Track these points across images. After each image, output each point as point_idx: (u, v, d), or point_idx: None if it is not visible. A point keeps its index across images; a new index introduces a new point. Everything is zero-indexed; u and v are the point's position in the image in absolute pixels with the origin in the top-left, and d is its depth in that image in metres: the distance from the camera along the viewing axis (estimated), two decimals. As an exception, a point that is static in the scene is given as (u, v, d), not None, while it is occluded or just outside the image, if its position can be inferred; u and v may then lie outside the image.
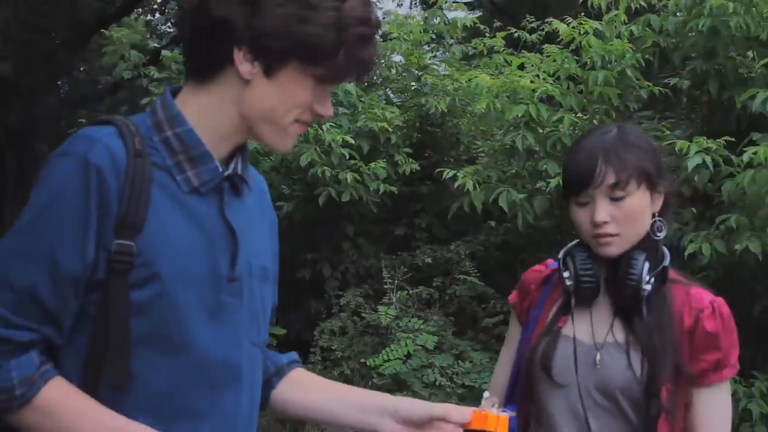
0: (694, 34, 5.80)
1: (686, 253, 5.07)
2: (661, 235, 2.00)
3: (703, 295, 2.00)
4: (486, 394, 1.78)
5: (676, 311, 1.97)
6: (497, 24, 8.49)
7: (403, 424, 1.75)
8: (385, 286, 6.66)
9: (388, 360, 6.02)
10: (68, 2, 15.19)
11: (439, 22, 8.19)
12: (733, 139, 5.11)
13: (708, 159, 4.97)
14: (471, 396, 5.75)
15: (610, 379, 1.95)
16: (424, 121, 7.52)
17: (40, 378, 1.49)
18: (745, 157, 4.71)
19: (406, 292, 6.68)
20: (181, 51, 8.50)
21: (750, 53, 5.81)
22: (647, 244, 2.00)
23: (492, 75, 6.71)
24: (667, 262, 2.00)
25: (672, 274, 2.03)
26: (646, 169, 1.97)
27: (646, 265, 1.95)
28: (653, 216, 2.01)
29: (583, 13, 6.76)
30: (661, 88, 6.47)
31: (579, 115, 6.18)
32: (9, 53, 15.47)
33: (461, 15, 9.07)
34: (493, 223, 7.15)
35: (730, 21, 5.41)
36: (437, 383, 5.81)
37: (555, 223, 6.36)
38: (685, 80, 6.10)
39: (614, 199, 1.95)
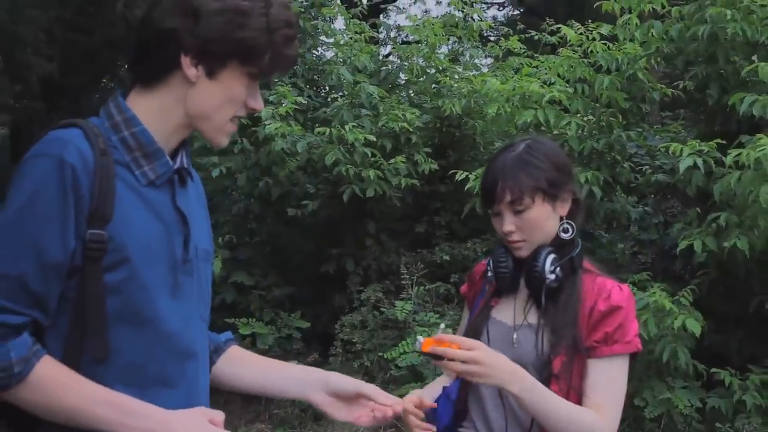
0: (696, 40, 6.00)
1: (678, 250, 5.31)
2: (567, 235, 2.27)
3: (606, 283, 2.25)
4: (442, 326, 2.16)
5: (582, 296, 2.23)
6: (520, 26, 8.74)
7: (333, 397, 2.02)
8: (403, 282, 6.95)
9: (405, 353, 6.30)
10: (111, 3, 15.45)
11: (458, 25, 8.41)
12: (724, 142, 5.33)
13: (699, 161, 5.20)
14: (481, 387, 6.03)
15: (523, 355, 2.20)
16: (443, 123, 7.79)
17: (33, 356, 1.67)
18: (729, 160, 4.95)
19: (424, 287, 6.95)
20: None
21: (754, 57, 6.00)
22: (557, 242, 2.26)
23: (503, 80, 6.95)
24: (573, 254, 2.25)
25: (587, 265, 2.31)
26: (539, 186, 2.22)
27: (549, 258, 2.21)
28: (561, 219, 2.28)
29: (591, 21, 6.96)
30: (674, 90, 6.70)
31: (586, 118, 6.42)
32: (54, 54, 15.94)
33: (492, 14, 9.27)
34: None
35: (727, 28, 5.62)
36: (449, 375, 6.07)
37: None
38: (689, 84, 6.29)
39: (516, 212, 2.22)
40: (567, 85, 6.62)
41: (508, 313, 2.31)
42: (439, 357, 2.06)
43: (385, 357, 6.42)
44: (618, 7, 6.65)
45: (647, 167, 6.74)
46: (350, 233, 7.69)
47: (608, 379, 2.21)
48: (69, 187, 1.67)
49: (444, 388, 2.47)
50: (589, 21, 7.17)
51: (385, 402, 2.01)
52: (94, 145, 1.72)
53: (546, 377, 2.17)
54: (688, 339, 5.24)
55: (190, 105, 1.81)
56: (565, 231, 2.28)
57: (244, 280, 7.64)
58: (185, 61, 1.76)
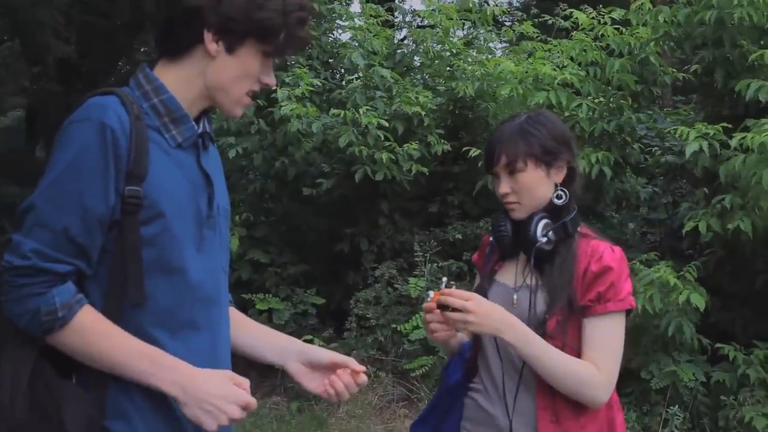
0: (703, 25, 6.12)
1: (684, 231, 5.46)
2: (560, 201, 2.38)
3: (599, 245, 2.38)
4: (444, 279, 2.36)
5: (578, 258, 2.36)
6: (534, 11, 8.87)
7: (309, 367, 2.18)
8: (416, 259, 7.11)
9: (417, 327, 6.47)
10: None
11: (472, 10, 8.54)
12: (730, 125, 5.47)
13: (705, 145, 5.35)
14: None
15: (521, 315, 2.32)
16: (456, 105, 7.93)
17: (76, 303, 1.83)
18: (734, 143, 5.09)
19: (437, 264, 7.12)
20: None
21: (762, 41, 6.13)
22: (550, 207, 2.38)
23: (516, 62, 7.09)
24: (566, 220, 2.36)
25: (584, 230, 2.43)
26: (532, 151, 2.36)
27: (541, 223, 2.34)
28: (556, 186, 2.39)
29: (603, 6, 7.09)
30: (684, 74, 6.84)
31: (597, 100, 6.57)
32: (72, 36, 16.09)
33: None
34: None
35: (734, 12, 5.76)
36: (460, 348, 6.24)
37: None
38: (698, 68, 6.42)
39: (511, 174, 2.36)
40: (579, 68, 6.77)
41: (509, 275, 2.45)
42: (445, 308, 2.25)
43: (399, 330, 6.58)
44: (632, -8, 6.79)
45: (657, 149, 6.88)
46: (364, 213, 7.85)
47: (603, 336, 2.32)
48: (110, 147, 1.83)
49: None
50: (600, 6, 7.31)
51: (356, 368, 2.15)
52: (129, 111, 1.88)
53: (541, 336, 2.29)
54: (692, 314, 5.40)
55: (209, 77, 1.98)
56: (559, 197, 2.38)
57: (260, 258, 7.81)
58: (208, 36, 1.94)
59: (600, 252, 2.35)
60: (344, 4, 9.39)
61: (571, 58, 6.92)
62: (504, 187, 2.38)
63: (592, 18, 7.00)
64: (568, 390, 2.29)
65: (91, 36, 15.81)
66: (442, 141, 7.45)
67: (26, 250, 1.81)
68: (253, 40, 1.96)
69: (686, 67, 6.96)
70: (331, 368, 2.17)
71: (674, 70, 6.94)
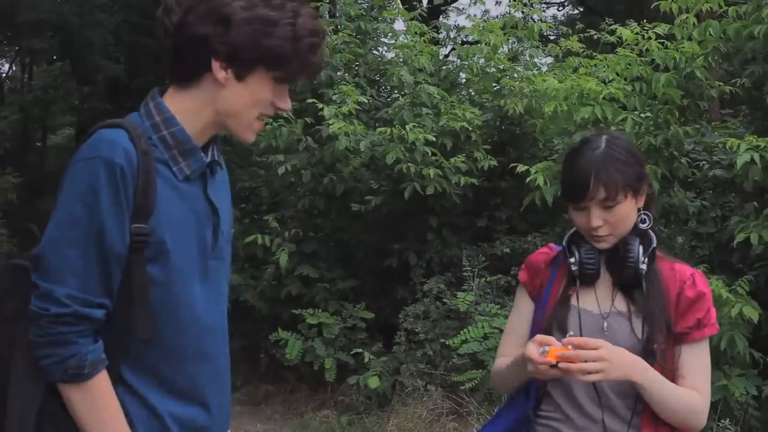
0: (753, 39, 6.14)
1: (735, 243, 5.47)
2: (645, 225, 2.35)
3: (685, 269, 2.37)
4: (570, 333, 2.24)
5: (664, 283, 2.32)
6: (579, 26, 8.91)
7: None
8: (465, 274, 7.17)
9: (466, 341, 6.52)
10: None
11: (518, 26, 8.60)
12: (781, 138, 5.49)
13: (756, 156, 5.36)
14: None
15: (617, 342, 2.22)
16: (504, 121, 8.00)
17: (101, 363, 1.88)
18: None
19: (485, 279, 7.17)
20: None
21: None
22: (636, 232, 2.34)
23: (561, 78, 7.14)
24: (654, 244, 2.33)
25: (658, 253, 2.38)
26: (630, 183, 2.29)
27: (640, 248, 2.30)
28: (638, 210, 2.35)
29: (647, 21, 7.11)
30: (732, 88, 6.85)
31: (643, 114, 6.60)
32: (121, 56, 16.40)
33: (551, 13, 9.44)
34: (567, 216, 7.57)
35: (784, 27, 5.78)
36: (510, 362, 6.27)
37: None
38: (747, 82, 6.43)
39: (606, 207, 2.27)
40: (624, 83, 6.80)
41: (589, 301, 2.37)
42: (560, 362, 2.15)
43: (447, 344, 6.64)
44: (676, 7, 6.81)
45: (704, 162, 6.88)
46: (412, 228, 7.92)
47: (701, 362, 2.33)
48: (120, 186, 1.84)
49: None
50: (644, 21, 7.34)
51: None
52: (137, 146, 1.88)
53: (650, 363, 2.24)
54: (745, 327, 5.39)
55: (219, 105, 1.97)
56: (643, 221, 2.36)
57: (310, 273, 7.91)
58: (216, 65, 1.92)
59: (690, 276, 2.35)
60: (389, 21, 9.48)
61: (617, 74, 6.96)
62: (596, 220, 2.28)
63: (636, 33, 7.03)
64: (680, 421, 2.30)
65: (139, 55, 16.11)
66: (489, 157, 7.51)
67: (61, 296, 1.83)
68: (263, 68, 1.94)
69: (733, 81, 6.96)
70: None
71: (721, 83, 6.94)
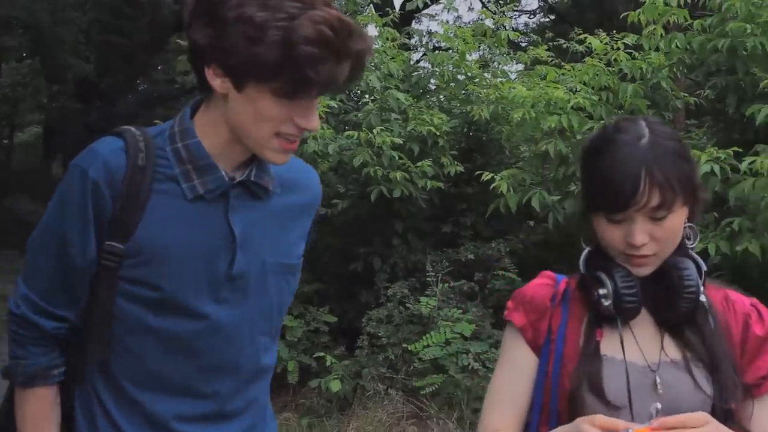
0: (717, 52, 6.24)
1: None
2: (693, 243, 1.81)
3: (743, 299, 1.85)
4: (657, 405, 1.67)
5: (721, 318, 1.80)
6: (548, 35, 8.98)
7: None
8: (428, 279, 7.19)
9: (428, 346, 6.53)
10: (147, 6, 15.79)
11: (487, 33, 8.65)
12: (741, 150, 5.56)
13: (716, 167, 5.43)
14: (502, 380, 6.26)
15: (680, 402, 1.70)
16: (471, 127, 8.04)
17: (42, 379, 1.81)
18: (744, 167, 5.18)
19: (448, 284, 7.19)
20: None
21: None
22: (681, 253, 1.79)
23: (529, 86, 7.20)
24: (705, 268, 1.80)
25: None
26: (693, 184, 1.75)
27: (695, 274, 1.75)
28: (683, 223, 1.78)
29: (616, 31, 7.19)
30: (696, 99, 6.94)
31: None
32: (91, 55, 16.31)
33: (523, 21, 9.51)
34: (531, 223, 7.64)
35: (747, 41, 5.86)
36: (471, 367, 6.32)
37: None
38: (710, 93, 6.52)
39: (655, 219, 1.70)
40: (592, 92, 6.87)
41: (630, 348, 1.78)
42: None
43: (410, 349, 6.65)
44: (644, 18, 6.89)
45: (668, 173, 6.95)
46: (378, 233, 7.92)
47: None
48: (89, 198, 1.72)
49: None
50: (614, 31, 7.42)
51: None
52: (129, 160, 1.73)
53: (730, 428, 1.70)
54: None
55: (228, 118, 1.74)
56: (688, 238, 1.80)
57: (275, 275, 7.86)
58: (209, 72, 1.69)
59: (751, 308, 1.84)
60: (362, 26, 9.49)
61: (584, 83, 7.02)
62: (640, 236, 1.70)
63: (606, 43, 7.10)
64: None
65: (109, 55, 16.05)
66: (456, 162, 7.55)
67: (19, 296, 1.81)
68: (254, 79, 1.65)
69: (698, 92, 7.05)
70: None
71: (686, 94, 7.02)
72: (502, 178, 6.43)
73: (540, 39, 8.81)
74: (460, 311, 6.87)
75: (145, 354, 1.79)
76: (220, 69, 1.67)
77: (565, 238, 7.08)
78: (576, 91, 6.99)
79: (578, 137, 6.60)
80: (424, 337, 6.62)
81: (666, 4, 6.70)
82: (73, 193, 1.73)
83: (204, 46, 1.67)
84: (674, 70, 6.71)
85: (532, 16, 21.77)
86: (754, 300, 1.87)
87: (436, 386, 6.38)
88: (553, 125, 6.40)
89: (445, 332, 6.55)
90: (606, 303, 1.75)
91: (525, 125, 6.85)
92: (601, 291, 1.75)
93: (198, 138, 1.78)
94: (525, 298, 1.89)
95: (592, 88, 6.93)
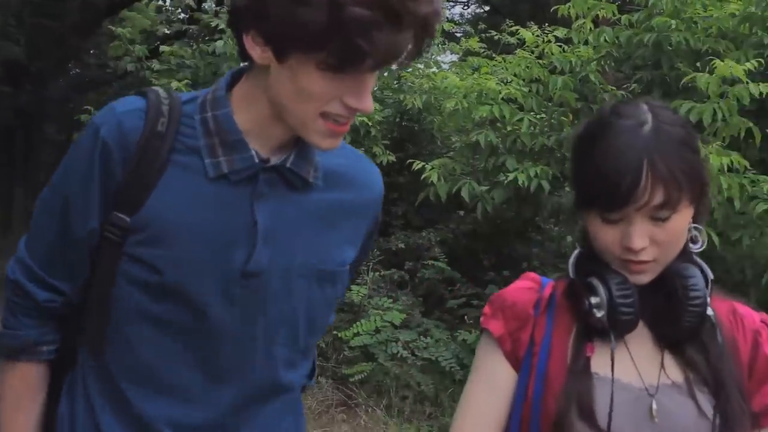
0: (642, 47, 6.36)
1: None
2: (697, 247, 1.58)
3: (752, 314, 1.64)
4: None
5: (728, 334, 1.58)
6: (481, 26, 9.07)
7: None
8: (360, 267, 7.22)
9: (358, 334, 6.57)
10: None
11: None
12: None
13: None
14: (430, 368, 6.34)
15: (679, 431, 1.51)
16: (404, 117, 8.08)
17: (27, 354, 1.63)
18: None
19: (379, 273, 7.24)
20: (181, 45, 9.07)
21: (698, 64, 6.37)
22: (685, 258, 1.57)
23: (462, 77, 7.27)
24: (711, 276, 1.57)
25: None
26: (702, 179, 1.53)
27: (702, 282, 1.53)
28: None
29: (548, 24, 7.28)
30: (624, 93, 7.06)
31: (539, 116, 6.76)
32: (21, 37, 15.99)
33: (458, 11, 9.57)
34: (461, 213, 7.72)
35: (672, 36, 5.99)
36: (399, 355, 6.37)
37: (516, 213, 6.97)
38: (637, 87, 6.64)
39: (657, 219, 1.48)
40: (523, 84, 6.95)
41: (624, 367, 1.55)
42: None
43: (340, 336, 6.68)
44: (573, 12, 6.99)
45: (595, 164, 7.08)
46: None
47: None
48: (97, 160, 1.52)
49: None
50: (546, 24, 7.52)
51: None
52: (147, 124, 1.52)
53: None
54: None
55: (270, 94, 1.50)
56: (694, 241, 1.58)
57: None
58: (247, 40, 1.46)
59: (762, 324, 1.63)
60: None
61: (515, 75, 7.10)
62: (639, 239, 1.48)
63: (537, 36, 7.19)
64: None
65: (41, 37, 15.74)
66: (388, 152, 7.58)
67: (17, 259, 1.63)
68: (297, 49, 1.40)
69: (625, 86, 7.18)
70: None
71: (614, 88, 7.14)
72: (432, 168, 6.47)
73: (473, 30, 8.88)
74: (391, 300, 6.91)
75: (142, 345, 1.56)
76: (260, 36, 1.43)
77: (494, 228, 7.19)
78: (508, 82, 7.06)
79: (509, 128, 6.67)
80: (354, 325, 6.65)
81: (596, -1, 6.81)
82: (81, 152, 1.54)
83: (241, 8, 1.45)
84: (602, 63, 6.81)
85: (466, 7, 22.01)
86: (765, 315, 1.65)
87: (365, 374, 6.41)
88: (484, 115, 6.45)
89: (375, 320, 6.59)
90: (598, 314, 1.52)
91: (457, 115, 6.90)
92: (593, 300, 1.53)
93: (230, 109, 1.55)
94: (505, 304, 1.66)
95: (523, 79, 7.01)
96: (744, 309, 1.64)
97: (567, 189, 6.90)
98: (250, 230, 1.54)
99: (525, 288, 1.67)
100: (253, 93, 1.53)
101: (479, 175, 6.76)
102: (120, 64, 8.16)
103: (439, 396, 6.23)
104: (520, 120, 6.52)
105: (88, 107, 7.50)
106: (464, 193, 6.33)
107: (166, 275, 1.51)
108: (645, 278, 1.53)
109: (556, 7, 7.04)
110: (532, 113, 6.72)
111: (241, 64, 1.61)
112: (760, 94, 5.31)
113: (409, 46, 1.41)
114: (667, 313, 1.54)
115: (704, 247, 1.58)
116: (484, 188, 6.46)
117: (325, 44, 1.36)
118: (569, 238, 6.99)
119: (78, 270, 1.58)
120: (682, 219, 1.50)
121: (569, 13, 6.99)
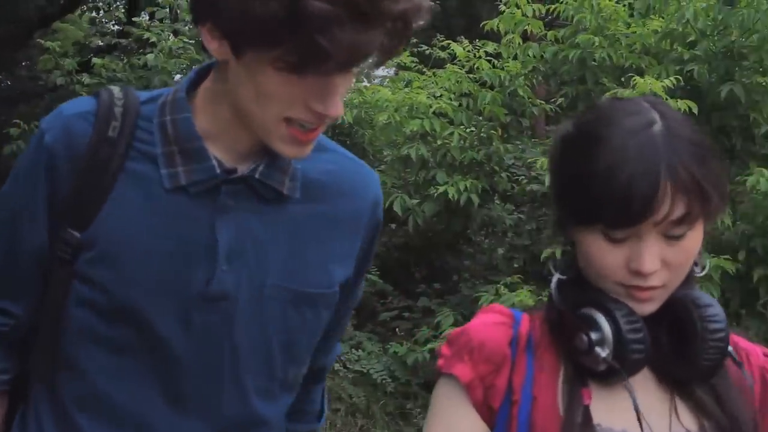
0: (568, 63, 6.52)
1: (542, 257, 5.76)
2: (701, 272, 1.36)
3: (755, 348, 1.44)
4: None
5: (732, 373, 1.36)
6: (413, 40, 9.15)
7: None
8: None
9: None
10: (9, 0, 15.29)
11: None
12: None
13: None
14: (362, 381, 6.38)
15: None
16: (335, 131, 8.12)
17: None
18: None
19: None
20: (112, 58, 8.96)
21: (622, 79, 6.54)
22: (689, 284, 1.35)
23: (394, 91, 7.36)
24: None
25: None
26: (724, 190, 1.29)
27: (719, 312, 1.31)
28: None
29: (478, 40, 7.41)
30: (552, 107, 7.21)
31: (469, 130, 6.87)
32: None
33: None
34: (393, 226, 7.78)
35: (595, 53, 6.15)
36: (332, 368, 6.38)
37: (447, 226, 7.07)
38: (563, 102, 6.80)
39: (671, 237, 1.25)
40: (453, 98, 7.05)
41: (628, 417, 1.28)
42: None
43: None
44: (502, 28, 7.12)
45: (523, 177, 7.20)
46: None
47: None
48: (42, 168, 1.38)
49: None
50: (477, 40, 7.63)
51: None
52: (96, 129, 1.37)
53: None
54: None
55: (231, 94, 1.34)
56: (696, 263, 1.35)
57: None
58: (204, 32, 1.30)
59: (765, 357, 1.43)
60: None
61: (446, 89, 7.20)
62: (651, 261, 1.24)
63: (468, 51, 7.31)
64: None
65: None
66: (320, 167, 7.60)
67: None
68: (254, 44, 1.24)
69: (553, 99, 7.32)
70: None
71: (542, 102, 7.28)
72: (363, 181, 6.51)
73: (406, 45, 8.96)
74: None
75: (95, 371, 1.40)
76: (216, 29, 1.27)
77: (425, 241, 7.26)
78: (438, 96, 7.16)
79: (439, 142, 6.77)
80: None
81: (524, 15, 6.93)
82: (26, 160, 1.40)
83: (201, 2, 1.30)
84: (530, 78, 6.95)
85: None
86: (765, 349, 1.45)
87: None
88: (415, 129, 6.54)
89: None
90: (602, 353, 1.25)
91: (389, 129, 6.98)
92: (594, 336, 1.26)
93: (190, 114, 1.38)
94: (471, 344, 1.35)
95: (454, 93, 7.11)
96: (745, 343, 1.43)
97: (497, 203, 7.01)
98: (211, 249, 1.38)
99: (494, 323, 1.38)
100: (215, 93, 1.38)
101: (410, 188, 6.84)
102: (50, 78, 8.06)
103: (370, 408, 6.27)
104: (451, 134, 6.62)
105: (17, 121, 7.40)
106: (396, 207, 6.39)
107: (117, 297, 1.36)
108: (651, 307, 1.29)
109: (484, 23, 7.16)
110: (462, 127, 6.82)
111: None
112: (679, 110, 5.46)
113: (383, 44, 1.24)
114: (680, 350, 1.30)
115: (705, 271, 1.37)
116: (415, 201, 6.54)
117: (282, 41, 1.20)
118: (500, 251, 7.10)
119: (29, 290, 1.43)
120: (697, 237, 1.28)
121: (498, 28, 7.12)
